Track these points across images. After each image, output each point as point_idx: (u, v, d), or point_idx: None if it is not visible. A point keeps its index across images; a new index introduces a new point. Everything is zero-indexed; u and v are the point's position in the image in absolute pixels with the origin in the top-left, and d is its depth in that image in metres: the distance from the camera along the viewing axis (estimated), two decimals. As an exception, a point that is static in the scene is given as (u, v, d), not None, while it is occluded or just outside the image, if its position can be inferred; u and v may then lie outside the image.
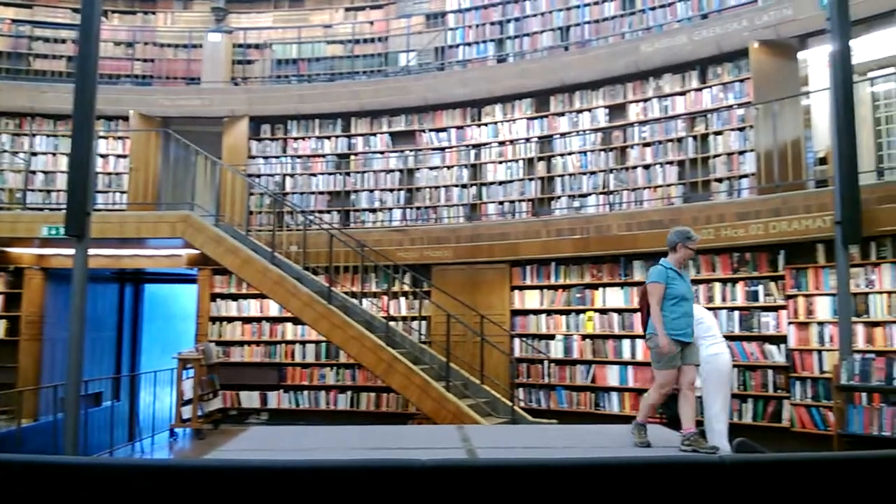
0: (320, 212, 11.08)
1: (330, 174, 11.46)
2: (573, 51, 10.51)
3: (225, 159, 11.02)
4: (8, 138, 11.61)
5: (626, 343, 9.03)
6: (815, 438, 7.45)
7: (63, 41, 12.04)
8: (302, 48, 12.21)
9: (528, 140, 10.57)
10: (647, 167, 9.68)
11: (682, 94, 9.63)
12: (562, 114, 10.46)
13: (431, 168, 11.06)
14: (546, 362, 9.51)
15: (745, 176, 8.93)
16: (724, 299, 8.35)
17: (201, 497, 2.27)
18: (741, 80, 9.14)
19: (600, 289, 9.31)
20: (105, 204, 11.34)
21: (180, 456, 8.91)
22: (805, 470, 2.48)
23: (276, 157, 11.65)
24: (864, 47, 8.32)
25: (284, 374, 10.63)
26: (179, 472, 2.35)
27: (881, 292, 7.33)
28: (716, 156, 9.20)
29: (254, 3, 12.93)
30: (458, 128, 11.10)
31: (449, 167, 10.96)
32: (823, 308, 7.70)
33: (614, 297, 9.20)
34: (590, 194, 10.01)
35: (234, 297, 10.86)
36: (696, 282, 8.09)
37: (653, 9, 10.07)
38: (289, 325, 10.66)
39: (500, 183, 10.62)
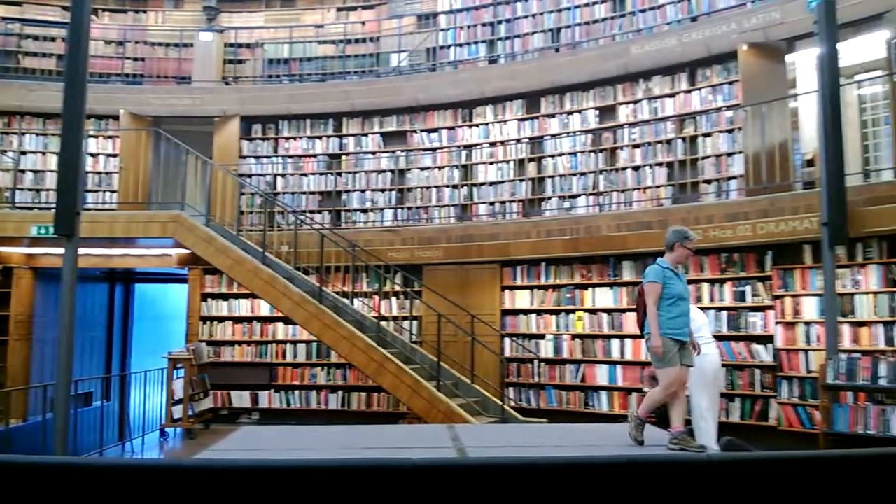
0: (311, 212, 11.09)
1: (321, 174, 11.46)
2: (564, 52, 10.55)
3: (216, 159, 11.00)
4: (-3, 137, 11.57)
5: (616, 343, 9.09)
6: (802, 437, 7.53)
7: (53, 39, 11.98)
8: (293, 48, 12.21)
9: (518, 141, 10.61)
10: (636, 168, 9.74)
11: (672, 95, 9.69)
12: (552, 115, 10.52)
13: (423, 168, 11.08)
14: (536, 362, 9.56)
15: (734, 177, 9.01)
16: (712, 299, 8.42)
17: (192, 497, 2.28)
18: (730, 83, 9.21)
19: (590, 289, 9.37)
20: (95, 203, 11.30)
21: (171, 456, 8.90)
22: (791, 468, 2.52)
23: (268, 157, 11.65)
24: (851, 50, 8.41)
25: (275, 373, 10.63)
26: (170, 472, 2.37)
27: (867, 293, 7.41)
28: (704, 157, 9.28)
29: (245, 3, 12.91)
30: (450, 128, 11.13)
31: (440, 168, 10.99)
32: (810, 308, 7.78)
33: (604, 298, 9.26)
34: (580, 195, 10.07)
35: (225, 297, 10.85)
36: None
37: (643, 11, 10.12)
38: (280, 325, 10.66)
39: (491, 184, 10.66)
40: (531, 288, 9.74)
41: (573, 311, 9.42)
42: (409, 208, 11.01)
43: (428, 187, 10.98)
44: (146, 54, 12.21)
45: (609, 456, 2.55)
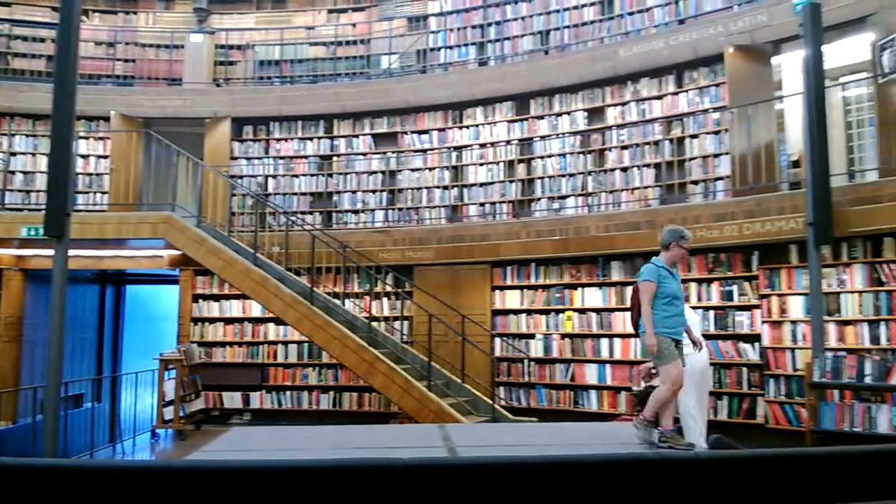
0: (303, 213, 11.10)
1: (312, 175, 11.48)
2: (553, 55, 10.62)
3: (207, 160, 11.00)
4: (-14, 138, 11.52)
5: (605, 342, 9.15)
6: (789, 435, 7.61)
7: (42, 40, 11.94)
8: (284, 49, 12.22)
9: (508, 142, 10.66)
10: (624, 169, 9.81)
11: (659, 97, 9.77)
12: (541, 117, 10.57)
13: (413, 170, 11.12)
14: (526, 361, 9.62)
15: (721, 178, 9.09)
16: (699, 299, 8.50)
17: (183, 498, 2.31)
18: (717, 85, 9.29)
19: (579, 289, 9.43)
20: (86, 205, 11.28)
21: (162, 457, 8.90)
22: (778, 466, 2.56)
23: (259, 159, 11.65)
24: (836, 53, 8.49)
25: (267, 374, 10.64)
26: (161, 474, 2.39)
27: (852, 292, 7.50)
28: (692, 158, 9.36)
29: (236, 4, 12.91)
30: (440, 130, 11.17)
31: (431, 169, 11.03)
32: (796, 307, 7.87)
33: (593, 297, 9.33)
34: (569, 196, 10.13)
35: (217, 298, 10.85)
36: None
37: (631, 14, 10.20)
38: (271, 326, 10.68)
39: (482, 185, 10.70)
40: (521, 288, 9.80)
41: (563, 310, 9.49)
42: (400, 209, 11.04)
43: (419, 188, 11.02)
44: (137, 55, 12.19)
45: (598, 455, 2.60)
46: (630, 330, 8.82)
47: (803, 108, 7.23)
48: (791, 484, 2.55)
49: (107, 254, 10.66)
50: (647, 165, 9.64)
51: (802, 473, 2.59)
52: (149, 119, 11.47)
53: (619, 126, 9.99)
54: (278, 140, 11.70)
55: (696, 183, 9.32)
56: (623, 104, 10.05)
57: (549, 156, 10.37)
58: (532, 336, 9.65)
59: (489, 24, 11.27)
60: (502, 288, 9.90)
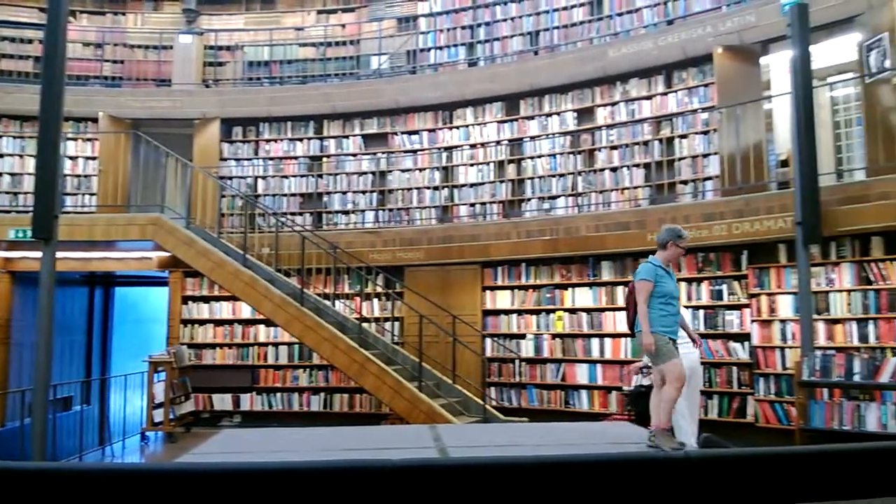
0: (293, 214, 11.08)
1: (302, 176, 11.45)
2: (543, 55, 10.63)
3: (196, 161, 10.96)
4: (-27, 140, 11.44)
5: (595, 342, 9.18)
6: (779, 433, 7.65)
7: (30, 41, 11.86)
8: (274, 50, 12.18)
9: (498, 143, 10.67)
10: (614, 170, 9.84)
11: (649, 98, 9.80)
12: (531, 117, 10.59)
13: (403, 170, 11.11)
14: (517, 361, 9.63)
15: (710, 178, 9.13)
16: (689, 298, 8.53)
17: (173, 501, 2.29)
18: (705, 85, 9.33)
19: (569, 289, 9.45)
20: (74, 206, 11.20)
21: (152, 460, 8.85)
22: (768, 465, 2.57)
23: (248, 160, 11.62)
24: (824, 53, 8.54)
25: (257, 376, 10.60)
26: (151, 476, 2.37)
27: (841, 291, 7.55)
28: (681, 158, 9.39)
29: (225, 5, 12.86)
30: (430, 130, 11.17)
31: (421, 169, 11.03)
32: (785, 306, 7.92)
33: (583, 297, 9.35)
34: (559, 196, 10.15)
35: (206, 300, 10.81)
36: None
37: (620, 14, 10.23)
38: (261, 328, 10.64)
39: (472, 185, 10.71)
40: (512, 288, 9.81)
41: (553, 310, 9.50)
42: (391, 210, 11.03)
43: (409, 189, 11.01)
44: (125, 56, 12.12)
45: (590, 455, 2.60)
46: (621, 329, 8.92)
47: (791, 108, 7.27)
48: (781, 482, 2.56)
49: (95, 256, 10.58)
50: (637, 165, 9.67)
51: (792, 472, 2.59)
52: (137, 120, 11.41)
53: (609, 126, 10.02)
54: (268, 141, 11.66)
55: (685, 183, 9.35)
56: (612, 104, 10.08)
57: (539, 156, 10.38)
58: (523, 336, 9.66)
59: (479, 25, 11.27)
60: (493, 288, 9.91)
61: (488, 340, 9.78)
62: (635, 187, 9.66)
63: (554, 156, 10.29)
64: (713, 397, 8.24)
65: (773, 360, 7.93)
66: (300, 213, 11.19)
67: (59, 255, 6.97)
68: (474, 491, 2.43)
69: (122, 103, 11.40)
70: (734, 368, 8.20)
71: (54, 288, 6.80)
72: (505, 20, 11.09)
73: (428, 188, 10.94)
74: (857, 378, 6.41)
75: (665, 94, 9.68)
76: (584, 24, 10.50)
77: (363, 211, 11.15)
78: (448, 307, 9.27)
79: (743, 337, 8.20)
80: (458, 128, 11.01)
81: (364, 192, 11.18)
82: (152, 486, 2.31)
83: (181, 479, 2.33)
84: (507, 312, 9.81)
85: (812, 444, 6.13)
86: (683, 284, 8.57)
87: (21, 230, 9.11)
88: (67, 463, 7.76)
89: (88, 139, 11.54)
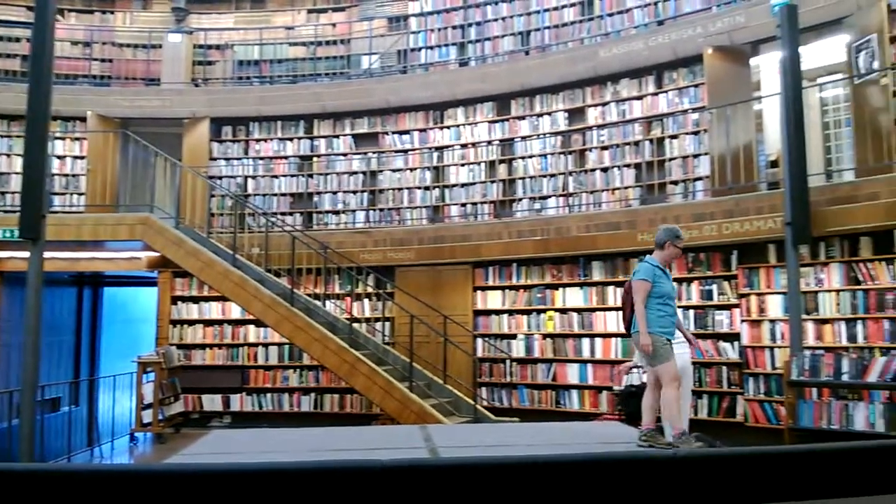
0: (283, 214, 11.04)
1: (292, 176, 11.41)
2: (533, 55, 10.64)
3: (185, 161, 10.90)
4: (-40, 139, 11.34)
5: (586, 342, 9.19)
6: (769, 432, 7.68)
7: (17, 40, 11.76)
8: (264, 49, 12.13)
9: (489, 143, 10.67)
10: (605, 170, 9.86)
11: (639, 98, 9.82)
12: (522, 117, 10.59)
13: (394, 170, 11.10)
14: (508, 361, 9.63)
15: (700, 178, 9.16)
16: (679, 298, 8.53)
17: (162, 502, 2.28)
18: (696, 86, 9.36)
19: (560, 289, 9.46)
20: (62, 206, 11.13)
21: (141, 461, 8.80)
22: (756, 463, 2.57)
23: (238, 159, 11.57)
24: (813, 54, 8.58)
25: (247, 376, 10.56)
26: (139, 477, 2.36)
27: (830, 291, 7.59)
28: (671, 159, 9.42)
29: (214, 4, 12.81)
30: (421, 130, 11.16)
31: (412, 169, 11.01)
32: (775, 306, 7.95)
33: (574, 297, 9.36)
34: (550, 196, 10.16)
35: (196, 300, 10.76)
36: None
37: (611, 15, 10.24)
38: (251, 328, 10.60)
39: (463, 185, 10.70)
40: (503, 288, 9.81)
41: (544, 310, 9.51)
42: (381, 210, 11.01)
43: (400, 189, 10.99)
44: (114, 55, 12.04)
45: (580, 454, 2.60)
46: (611, 329, 8.94)
47: (781, 108, 7.31)
48: (770, 481, 2.56)
49: (84, 256, 10.51)
50: (628, 166, 9.69)
51: (781, 471, 2.59)
52: (126, 119, 11.35)
53: (600, 126, 10.04)
54: (258, 140, 11.62)
55: (675, 183, 9.38)
56: (603, 105, 10.10)
57: (530, 156, 10.39)
58: (514, 336, 9.66)
59: (470, 25, 11.26)
60: (484, 288, 9.91)
61: (479, 340, 9.77)
62: (626, 187, 9.68)
63: (545, 156, 10.30)
64: (703, 397, 8.27)
65: (762, 360, 7.97)
66: (290, 213, 11.15)
67: (47, 254, 6.91)
68: (465, 491, 2.43)
69: (111, 102, 11.33)
70: (724, 368, 8.24)
71: (42, 288, 6.75)
72: (496, 20, 11.09)
73: (419, 188, 10.92)
74: (845, 378, 6.45)
75: (656, 94, 9.70)
76: (575, 25, 10.51)
77: (354, 211, 11.12)
78: (439, 307, 9.26)
79: (733, 337, 8.23)
80: (448, 128, 11.00)
81: (354, 192, 11.16)
82: (141, 488, 2.29)
83: (170, 480, 2.32)
84: (498, 312, 9.81)
85: (801, 444, 6.15)
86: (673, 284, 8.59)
87: (8, 230, 9.03)
88: (56, 464, 7.70)
89: (77, 138, 11.47)
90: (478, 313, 9.91)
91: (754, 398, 7.95)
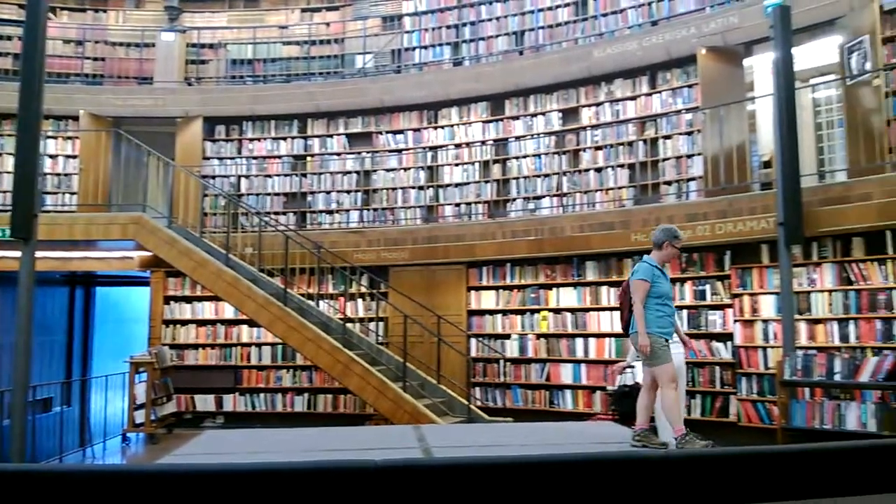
0: (276, 213, 11.01)
1: (286, 175, 11.39)
2: (528, 55, 10.65)
3: (179, 160, 10.87)
4: (-49, 137, 11.27)
5: (580, 342, 9.20)
6: (761, 432, 7.69)
7: (9, 38, 11.71)
8: (257, 48, 12.11)
9: (483, 143, 10.67)
10: (598, 170, 9.87)
11: (633, 98, 9.84)
12: (516, 117, 10.60)
13: (388, 170, 11.08)
14: (502, 361, 9.63)
15: (693, 179, 9.18)
16: (673, 298, 8.55)
17: (154, 502, 2.27)
18: (689, 86, 9.39)
19: (554, 289, 9.47)
20: (54, 205, 11.09)
21: (133, 461, 8.76)
22: (748, 463, 2.58)
23: (231, 159, 11.54)
24: (806, 55, 8.62)
25: (240, 376, 10.53)
26: (131, 478, 2.35)
27: (822, 291, 7.60)
28: (665, 159, 9.44)
29: (208, 3, 12.77)
30: (415, 130, 11.15)
31: (406, 169, 11.00)
32: (767, 306, 7.97)
33: (568, 297, 9.37)
34: (544, 196, 10.16)
35: (189, 300, 10.72)
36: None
37: (605, 15, 10.26)
38: (244, 328, 10.56)
39: (457, 185, 10.70)
40: (496, 288, 9.81)
41: (538, 310, 9.51)
42: (375, 210, 11.00)
43: (394, 189, 10.98)
44: (106, 54, 11.99)
45: (573, 454, 2.59)
46: (605, 329, 8.95)
47: (774, 109, 7.32)
48: (763, 481, 2.57)
49: (76, 255, 10.45)
50: (622, 166, 9.71)
51: (774, 470, 2.60)
52: (119, 118, 11.31)
53: (594, 127, 10.05)
54: (251, 140, 11.59)
55: (669, 183, 9.40)
56: (597, 105, 10.11)
57: (524, 156, 10.40)
58: (508, 336, 9.66)
59: (464, 25, 11.26)
60: (478, 288, 9.91)
61: (473, 340, 9.77)
62: (620, 188, 9.70)
63: (539, 156, 10.31)
64: (696, 397, 8.29)
65: (755, 360, 7.99)
66: (284, 213, 11.13)
67: (38, 254, 6.88)
68: (458, 491, 2.42)
69: (103, 101, 11.28)
70: (717, 368, 8.25)
71: (34, 288, 6.71)
72: (490, 20, 11.10)
73: (413, 188, 10.91)
74: (837, 377, 6.47)
75: (649, 94, 9.72)
76: (569, 25, 10.53)
77: (347, 210, 11.11)
78: (433, 307, 9.25)
79: (726, 337, 8.25)
80: (443, 127, 10.99)
81: (348, 192, 11.14)
82: (133, 488, 2.28)
83: (163, 481, 2.31)
84: (491, 312, 9.81)
85: (793, 443, 6.17)
86: (667, 284, 8.60)
87: (0, 229, 8.97)
88: (47, 464, 7.66)
89: (69, 137, 11.42)
90: (472, 313, 9.90)
91: (747, 398, 7.97)
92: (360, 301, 10.37)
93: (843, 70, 8.12)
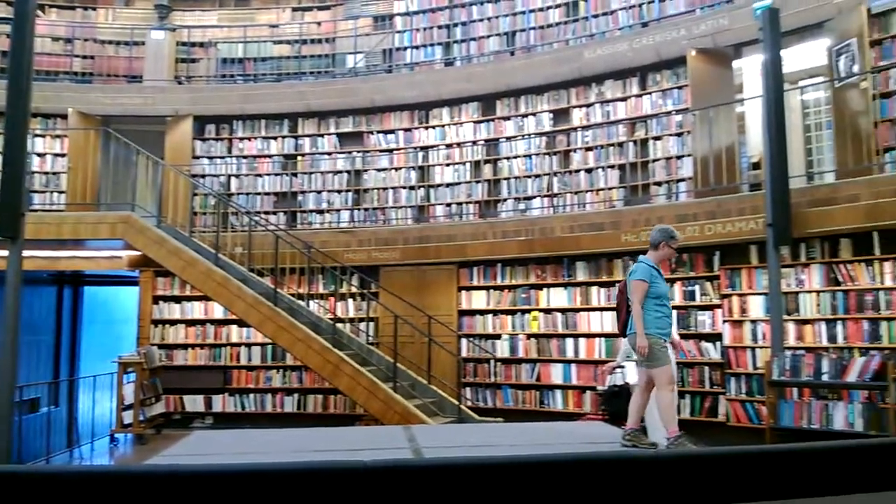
0: (266, 213, 10.98)
1: (276, 175, 11.36)
2: (519, 56, 10.66)
3: (168, 159, 10.81)
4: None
5: (570, 342, 9.21)
6: (750, 432, 7.73)
7: (-3, 36, 11.63)
8: (248, 47, 12.06)
9: (474, 143, 10.67)
10: (589, 171, 9.89)
11: (623, 99, 9.87)
12: (507, 118, 10.61)
13: (379, 170, 11.07)
14: (492, 362, 9.64)
15: (683, 180, 9.22)
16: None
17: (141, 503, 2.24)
18: (679, 87, 9.43)
19: (545, 289, 9.48)
20: (42, 204, 11.01)
21: (121, 462, 8.71)
22: (737, 463, 2.58)
23: (221, 158, 11.49)
24: (795, 57, 8.67)
25: (229, 377, 10.49)
26: (119, 479, 2.33)
27: (810, 291, 7.66)
28: (655, 160, 9.47)
29: (198, 1, 12.71)
30: (406, 130, 11.14)
31: (397, 169, 10.99)
32: (756, 307, 8.01)
33: (558, 298, 9.39)
34: (535, 197, 10.18)
35: (178, 300, 10.67)
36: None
37: (596, 16, 10.29)
38: (234, 328, 10.52)
39: (448, 185, 10.70)
40: (487, 288, 9.82)
41: (528, 311, 9.53)
42: (366, 209, 10.98)
43: (384, 188, 10.97)
44: (96, 52, 11.92)
45: (563, 454, 2.59)
46: (595, 330, 8.98)
47: (763, 110, 7.36)
48: (751, 481, 2.57)
49: (64, 254, 10.40)
50: (612, 167, 9.74)
51: (762, 470, 2.60)
52: (108, 117, 11.24)
53: (584, 127, 10.07)
54: (241, 139, 11.55)
55: (659, 184, 9.43)
56: (588, 106, 10.13)
57: (515, 157, 10.41)
58: (498, 336, 9.67)
59: (455, 25, 11.26)
60: (469, 288, 9.91)
61: (464, 341, 9.77)
62: (610, 188, 9.72)
63: (530, 156, 10.32)
64: (685, 397, 8.32)
65: (744, 360, 8.03)
66: (274, 212, 11.10)
67: (26, 253, 6.83)
68: (448, 492, 2.41)
69: (92, 100, 11.20)
70: (706, 368, 8.29)
71: (21, 287, 6.66)
72: (481, 20, 11.10)
73: (404, 188, 10.91)
74: (825, 378, 6.51)
75: (640, 95, 9.75)
76: (561, 26, 10.55)
77: (338, 210, 11.08)
78: (424, 307, 9.24)
79: (715, 337, 8.29)
80: (434, 127, 10.99)
81: (339, 192, 11.12)
82: (121, 489, 2.26)
83: (151, 482, 2.29)
84: (482, 313, 9.81)
85: (782, 443, 6.19)
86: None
87: (-13, 228, 8.89)
88: (34, 465, 7.61)
89: (57, 136, 11.34)
90: (462, 313, 9.91)
91: (736, 398, 8.01)
92: (350, 301, 10.35)
93: (831, 72, 8.18)
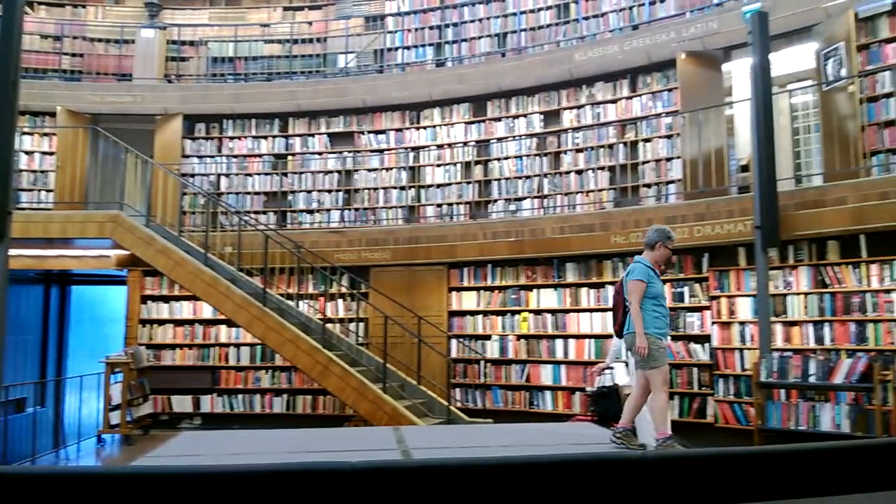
0: (256, 212, 10.94)
1: (266, 174, 11.32)
2: (510, 57, 10.67)
3: (157, 158, 10.76)
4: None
5: (560, 343, 9.23)
6: (738, 433, 7.77)
7: (-16, 33, 11.52)
8: (238, 47, 12.02)
9: (465, 144, 10.68)
10: (579, 172, 9.92)
11: (614, 101, 9.91)
12: (498, 119, 10.62)
13: (370, 170, 11.05)
14: (482, 362, 9.64)
15: (672, 182, 9.26)
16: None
17: None
18: (669, 90, 9.47)
19: (535, 290, 9.50)
20: (30, 202, 10.93)
21: (108, 463, 8.66)
22: (725, 464, 2.60)
23: (211, 157, 11.45)
24: (783, 61, 8.73)
25: (218, 377, 10.44)
26: (106, 479, 2.32)
27: (798, 293, 7.70)
28: (645, 162, 9.51)
29: (189, 0, 12.66)
30: (397, 130, 11.13)
31: (387, 169, 10.98)
32: (744, 308, 8.05)
33: (548, 299, 9.40)
34: (525, 198, 10.19)
35: (166, 299, 10.62)
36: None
37: (586, 18, 10.32)
38: (223, 328, 10.48)
39: (439, 186, 10.70)
40: (477, 289, 9.82)
41: (518, 311, 9.54)
42: (356, 209, 10.97)
43: (375, 189, 10.96)
44: (85, 50, 11.85)
45: (552, 455, 2.60)
46: (584, 331, 9.00)
47: (751, 113, 7.41)
48: (739, 481, 2.59)
49: (51, 253, 10.34)
50: (602, 168, 9.76)
51: (750, 471, 2.62)
52: (97, 115, 11.18)
53: (575, 129, 10.10)
54: (231, 138, 11.51)
55: (648, 186, 9.47)
56: (578, 107, 10.16)
57: (506, 158, 10.42)
58: (488, 337, 9.68)
59: (447, 26, 11.27)
60: (459, 289, 9.91)
61: (454, 341, 9.77)
62: (600, 190, 9.75)
63: (520, 157, 10.34)
64: (674, 398, 8.34)
65: (732, 362, 8.07)
66: (264, 212, 11.06)
67: (13, 252, 6.78)
68: (437, 492, 2.42)
69: (81, 98, 11.14)
70: (695, 369, 8.32)
71: (8, 286, 6.61)
72: (473, 21, 11.11)
73: (394, 188, 10.90)
74: (812, 379, 6.55)
75: (630, 98, 9.79)
76: (552, 27, 10.57)
77: (328, 210, 11.06)
78: (414, 308, 9.24)
79: (703, 338, 8.32)
80: (425, 128, 10.99)
81: (329, 192, 11.10)
82: (108, 490, 2.25)
83: (138, 483, 2.28)
84: (472, 313, 9.81)
85: (769, 444, 6.23)
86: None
87: (-27, 226, 8.81)
88: (20, 466, 7.55)
89: (45, 134, 11.26)
90: (452, 314, 9.90)
91: (724, 399, 8.05)
92: (340, 301, 10.33)
93: (819, 76, 8.23)
